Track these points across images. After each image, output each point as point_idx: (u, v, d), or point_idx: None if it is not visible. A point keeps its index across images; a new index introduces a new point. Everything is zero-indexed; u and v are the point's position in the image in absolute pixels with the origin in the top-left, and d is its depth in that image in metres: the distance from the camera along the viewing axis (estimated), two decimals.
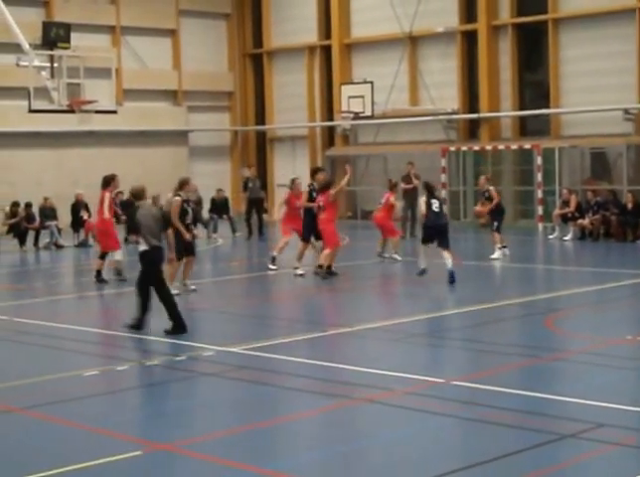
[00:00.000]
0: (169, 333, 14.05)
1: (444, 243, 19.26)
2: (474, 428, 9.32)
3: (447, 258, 18.95)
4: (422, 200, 19.62)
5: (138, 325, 14.27)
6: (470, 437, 9.12)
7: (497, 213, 23.79)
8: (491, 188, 24.02)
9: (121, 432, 9.34)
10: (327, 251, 20.28)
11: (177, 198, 17.84)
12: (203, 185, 33.69)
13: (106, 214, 20.25)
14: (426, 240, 19.47)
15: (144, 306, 14.34)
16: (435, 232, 19.27)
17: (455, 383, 10.91)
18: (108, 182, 20.55)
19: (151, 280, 14.36)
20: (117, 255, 20.44)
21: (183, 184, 18.34)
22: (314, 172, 21.86)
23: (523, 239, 28.70)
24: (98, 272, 20.22)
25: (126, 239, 26.81)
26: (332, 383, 11.14)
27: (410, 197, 27.76)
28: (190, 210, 18.18)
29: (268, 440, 9.15)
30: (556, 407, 9.88)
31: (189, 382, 11.64)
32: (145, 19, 37.91)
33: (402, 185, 27.18)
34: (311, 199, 20.81)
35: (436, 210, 19.35)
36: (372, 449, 8.75)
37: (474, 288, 19.14)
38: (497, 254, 22.94)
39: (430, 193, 19.63)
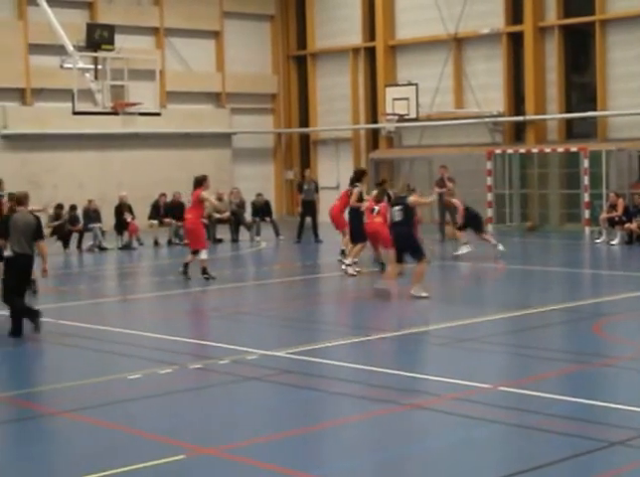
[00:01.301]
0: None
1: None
2: (522, 435, 9.15)
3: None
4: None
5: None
6: (518, 444, 8.95)
7: (469, 219, 23.92)
8: (453, 199, 24.29)
9: (164, 436, 9.25)
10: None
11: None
12: (246, 188, 33.78)
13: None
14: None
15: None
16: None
17: (502, 389, 10.74)
18: (200, 182, 21.24)
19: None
20: (203, 255, 20.80)
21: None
22: (361, 174, 21.78)
23: (569, 244, 28.44)
24: (186, 265, 20.88)
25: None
26: (378, 388, 11.00)
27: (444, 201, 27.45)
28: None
29: (314, 445, 9.03)
30: (604, 414, 9.70)
31: (233, 386, 11.54)
32: (189, 21, 37.95)
33: (436, 189, 26.87)
34: (360, 200, 20.81)
35: (397, 218, 17.93)
36: (420, 456, 8.62)
37: (520, 293, 18.94)
38: (464, 250, 23.10)
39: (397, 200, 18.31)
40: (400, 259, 17.92)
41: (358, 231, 20.80)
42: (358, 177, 21.75)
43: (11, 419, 10.25)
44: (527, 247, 28.39)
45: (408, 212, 17.81)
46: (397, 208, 17.86)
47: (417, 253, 17.67)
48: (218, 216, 30.44)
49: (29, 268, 14.80)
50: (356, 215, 20.95)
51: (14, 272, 14.64)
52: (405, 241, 17.71)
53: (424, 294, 17.41)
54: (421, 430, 9.44)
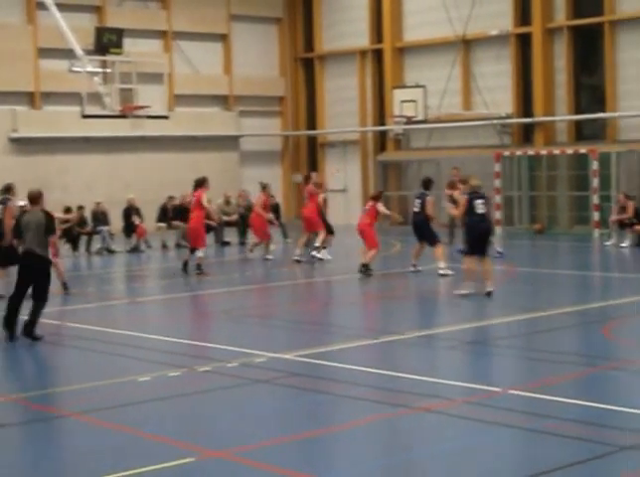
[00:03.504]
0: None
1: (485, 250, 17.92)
2: (532, 439, 9.10)
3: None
4: (462, 197, 18.41)
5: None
6: (528, 448, 8.91)
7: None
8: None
9: (174, 439, 9.23)
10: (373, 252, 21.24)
11: None
12: (254, 190, 33.70)
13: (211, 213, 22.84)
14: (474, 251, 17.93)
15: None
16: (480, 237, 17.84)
17: (513, 392, 10.69)
18: (201, 183, 22.20)
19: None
20: (200, 253, 22.02)
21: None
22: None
23: (578, 246, 28.36)
24: (185, 263, 22.26)
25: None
26: (387, 391, 10.96)
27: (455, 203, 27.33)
28: None
29: (323, 449, 9.00)
30: (614, 418, 9.64)
31: (241, 389, 11.51)
32: (196, 24, 37.98)
33: (447, 191, 26.76)
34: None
35: (480, 211, 17.89)
36: (430, 459, 8.57)
37: (529, 296, 18.89)
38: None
39: (475, 193, 18.06)
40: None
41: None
42: (427, 185, 21.96)
43: (22, 421, 10.26)
44: (536, 250, 28.33)
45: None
46: (478, 201, 17.90)
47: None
48: (226, 218, 30.44)
49: (42, 269, 14.51)
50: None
51: (25, 273, 14.48)
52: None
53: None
54: (432, 434, 9.39)
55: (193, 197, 22.75)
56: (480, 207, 17.72)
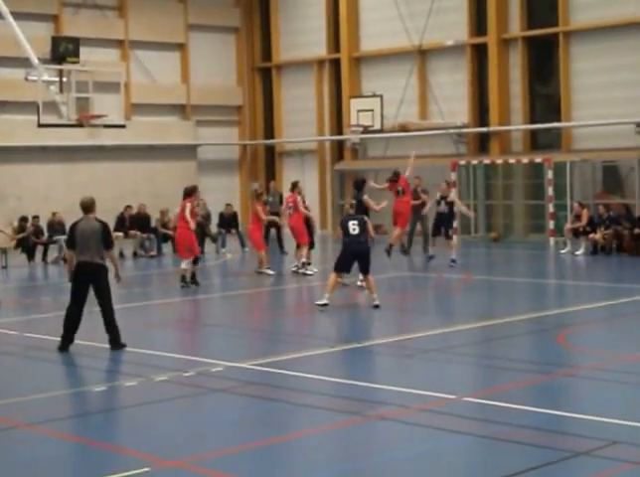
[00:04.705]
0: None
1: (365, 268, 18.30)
2: (487, 446, 9.18)
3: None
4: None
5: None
6: (483, 455, 8.99)
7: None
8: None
9: (129, 448, 9.23)
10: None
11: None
12: (211, 199, 33.70)
13: (191, 224, 21.48)
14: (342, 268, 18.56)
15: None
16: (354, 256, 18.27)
17: (467, 399, 10.77)
18: (190, 193, 21.77)
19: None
20: (184, 264, 21.49)
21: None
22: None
23: (534, 254, 28.58)
24: (193, 275, 21.58)
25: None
26: (342, 399, 11.00)
27: (419, 212, 27.42)
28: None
29: (278, 457, 9.02)
30: (569, 424, 9.76)
31: (198, 398, 11.52)
32: (154, 33, 37.91)
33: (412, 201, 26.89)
34: None
35: (354, 232, 18.13)
36: (384, 467, 8.61)
37: (485, 304, 19.04)
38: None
39: (349, 216, 18.60)
40: None
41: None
42: (360, 187, 21.99)
43: None
44: (491, 258, 28.51)
45: None
46: (351, 223, 18.32)
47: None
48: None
49: (99, 278, 14.26)
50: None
51: (81, 282, 14.32)
52: None
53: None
54: (387, 441, 9.45)
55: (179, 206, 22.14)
56: (353, 228, 18.05)
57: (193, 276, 21.58)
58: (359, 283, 20.22)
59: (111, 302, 14.48)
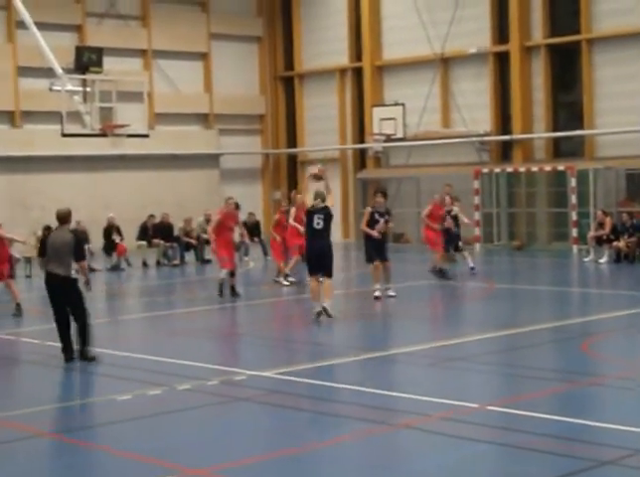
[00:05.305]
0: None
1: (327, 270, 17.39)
2: (511, 455, 9.15)
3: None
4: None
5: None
6: (507, 464, 8.95)
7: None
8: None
9: (154, 457, 9.24)
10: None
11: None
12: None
13: (211, 234, 21.84)
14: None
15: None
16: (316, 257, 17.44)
17: (491, 408, 10.75)
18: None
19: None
20: (222, 273, 21.30)
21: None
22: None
23: (557, 262, 28.48)
24: (232, 287, 21.15)
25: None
26: (366, 408, 10.99)
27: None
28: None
29: (303, 466, 9.02)
30: (593, 433, 9.69)
31: (221, 407, 11.54)
32: (177, 42, 38.07)
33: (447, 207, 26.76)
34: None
35: (317, 227, 17.48)
36: (408, 476, 8.59)
37: (509, 312, 18.98)
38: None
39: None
40: None
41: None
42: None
43: (1, 441, 10.23)
44: (514, 266, 28.44)
45: None
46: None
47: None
48: (205, 236, 30.45)
49: (66, 289, 14.12)
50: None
51: (52, 294, 14.28)
52: None
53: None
54: (411, 450, 9.43)
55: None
56: (317, 222, 17.42)
57: (232, 288, 21.16)
58: (390, 293, 20.17)
59: (84, 313, 14.23)
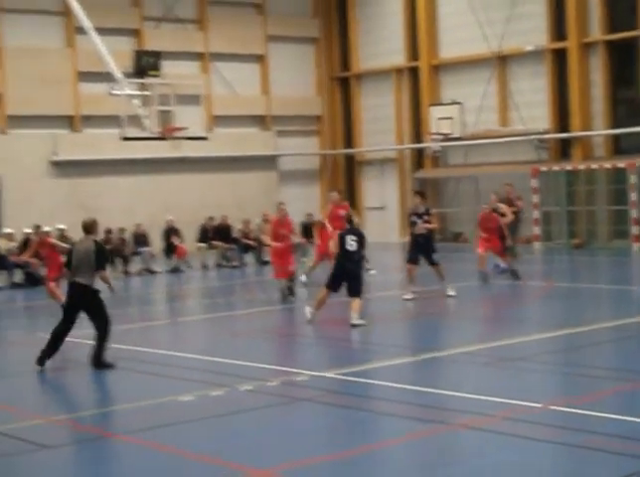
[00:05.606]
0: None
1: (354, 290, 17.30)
2: (573, 455, 9.10)
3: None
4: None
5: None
6: (570, 464, 8.92)
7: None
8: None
9: (218, 458, 9.33)
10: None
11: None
12: (292, 209, 33.79)
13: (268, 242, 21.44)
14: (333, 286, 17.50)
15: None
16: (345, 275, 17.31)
17: (553, 407, 10.70)
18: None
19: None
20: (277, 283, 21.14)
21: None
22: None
23: (617, 260, 28.24)
24: (289, 288, 20.84)
25: None
26: (426, 408, 11.01)
27: (514, 219, 27.08)
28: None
29: (363, 466, 9.06)
30: None
31: (283, 407, 11.61)
32: (233, 45, 38.27)
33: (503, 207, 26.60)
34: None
35: (351, 248, 17.32)
36: (470, 476, 8.60)
37: (569, 311, 18.86)
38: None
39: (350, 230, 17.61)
40: None
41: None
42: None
43: (67, 442, 10.39)
44: (574, 265, 28.23)
45: None
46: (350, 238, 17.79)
47: None
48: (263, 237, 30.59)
49: (87, 299, 14.23)
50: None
51: (69, 302, 14.42)
52: None
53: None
54: (471, 450, 9.42)
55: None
56: (350, 244, 17.27)
57: (290, 288, 21.01)
58: (450, 293, 20.15)
59: (105, 324, 14.24)
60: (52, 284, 20.73)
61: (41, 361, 14.24)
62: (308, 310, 17.72)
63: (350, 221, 17.90)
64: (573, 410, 10.51)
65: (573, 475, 8.56)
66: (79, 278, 14.18)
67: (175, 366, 14.30)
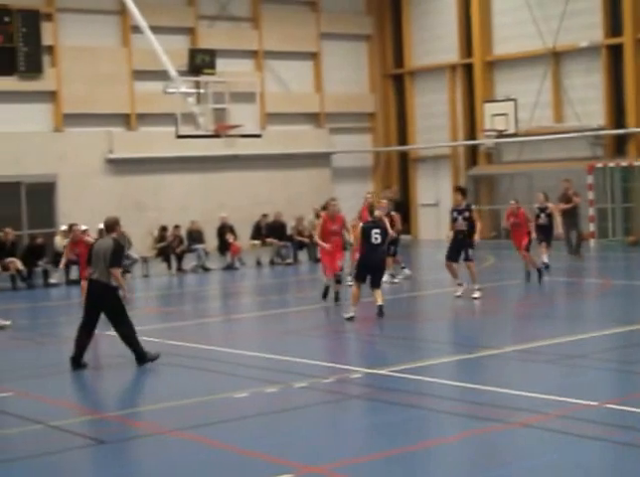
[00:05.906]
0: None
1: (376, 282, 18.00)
2: (631, 453, 9.03)
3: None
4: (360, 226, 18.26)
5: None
6: (627, 463, 8.83)
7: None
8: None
9: (272, 455, 9.36)
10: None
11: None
12: (346, 206, 33.84)
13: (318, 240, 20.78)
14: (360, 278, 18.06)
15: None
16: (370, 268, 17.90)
17: (609, 406, 10.62)
18: (325, 207, 21.34)
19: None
20: (325, 280, 20.63)
21: None
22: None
23: None
24: (336, 293, 20.21)
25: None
26: (482, 406, 10.97)
27: (572, 215, 26.97)
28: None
29: (419, 464, 9.06)
30: None
31: (338, 404, 11.64)
32: (287, 43, 38.38)
33: (561, 205, 26.51)
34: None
35: (375, 241, 17.85)
36: (527, 474, 8.56)
37: (626, 308, 18.69)
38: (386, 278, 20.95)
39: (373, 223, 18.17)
40: None
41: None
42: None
43: (123, 438, 10.48)
44: (630, 262, 27.98)
45: None
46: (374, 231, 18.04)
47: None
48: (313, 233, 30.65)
49: (104, 297, 14.23)
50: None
51: (89, 300, 14.47)
52: None
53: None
54: (527, 449, 9.38)
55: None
56: (375, 237, 17.74)
57: (336, 294, 20.26)
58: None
59: (123, 322, 14.24)
60: (85, 283, 20.72)
61: (75, 364, 14.20)
62: (349, 308, 17.88)
63: (372, 212, 18.53)
64: (630, 409, 10.42)
65: (628, 474, 8.48)
66: (96, 276, 14.27)
67: (229, 362, 14.38)
